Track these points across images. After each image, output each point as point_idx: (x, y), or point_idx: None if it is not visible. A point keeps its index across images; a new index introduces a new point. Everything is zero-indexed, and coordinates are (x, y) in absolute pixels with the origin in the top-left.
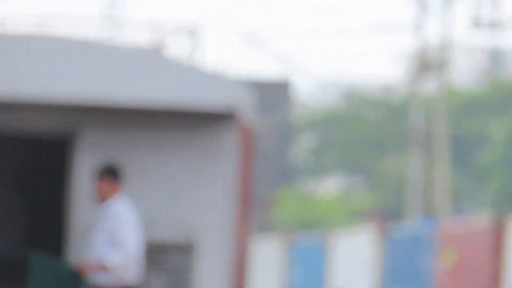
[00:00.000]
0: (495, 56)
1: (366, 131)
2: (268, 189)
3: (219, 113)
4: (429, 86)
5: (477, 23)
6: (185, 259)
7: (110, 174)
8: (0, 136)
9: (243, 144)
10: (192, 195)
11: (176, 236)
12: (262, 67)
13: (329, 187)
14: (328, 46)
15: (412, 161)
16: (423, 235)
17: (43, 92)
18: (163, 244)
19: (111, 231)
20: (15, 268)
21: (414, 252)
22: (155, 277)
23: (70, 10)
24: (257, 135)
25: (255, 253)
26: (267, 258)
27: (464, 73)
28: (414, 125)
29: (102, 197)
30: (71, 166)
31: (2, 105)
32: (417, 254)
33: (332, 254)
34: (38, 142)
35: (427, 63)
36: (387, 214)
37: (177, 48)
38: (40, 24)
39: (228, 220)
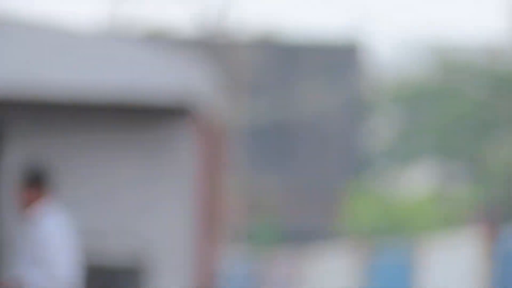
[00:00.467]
0: None
1: (467, 108)
2: (332, 186)
3: (171, 107)
4: None
5: None
6: (134, 284)
7: (36, 179)
8: None
9: (205, 143)
10: (141, 206)
11: (123, 256)
12: (327, 23)
13: (417, 180)
14: None
15: None
16: None
17: None
18: (107, 266)
19: (36, 248)
20: None
21: None
22: None
23: None
24: (226, 131)
25: (315, 270)
26: (332, 277)
27: None
28: None
29: (26, 207)
30: None
31: None
32: None
33: (422, 271)
34: None
35: None
36: (496, 215)
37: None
38: None
39: (186, 236)
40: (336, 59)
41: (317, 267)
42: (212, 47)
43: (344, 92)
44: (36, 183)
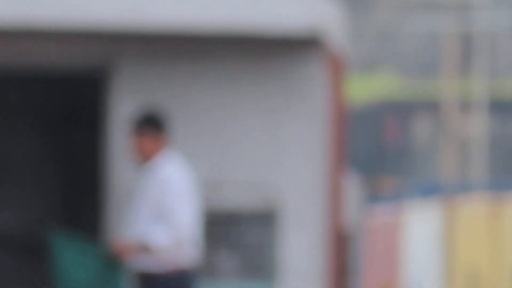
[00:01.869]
0: None
1: None
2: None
3: (301, 38)
4: None
5: None
6: (264, 231)
7: (153, 126)
8: (19, 75)
9: (335, 82)
10: (268, 148)
11: (250, 202)
12: None
13: None
14: None
15: None
16: None
17: (70, 18)
18: (234, 214)
19: (157, 202)
20: (34, 247)
21: None
22: (224, 255)
23: None
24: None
25: (412, 224)
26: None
27: None
28: None
29: (144, 157)
30: (105, 114)
31: (21, 35)
32: None
33: None
34: (66, 81)
35: None
36: None
37: None
38: None
39: (318, 180)
40: None
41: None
42: None
43: None
44: (153, 130)
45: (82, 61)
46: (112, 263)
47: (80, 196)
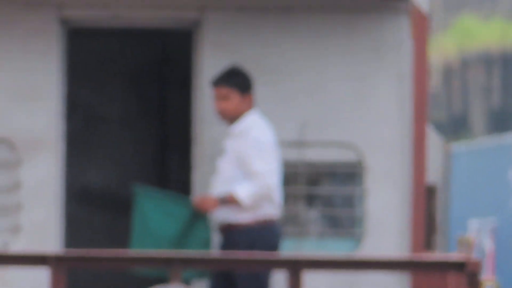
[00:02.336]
0: None
1: None
2: None
3: None
4: None
5: None
6: (350, 189)
7: (239, 84)
8: (113, 30)
9: (420, 37)
10: (354, 105)
11: (335, 157)
12: None
13: None
14: None
15: None
16: None
17: None
18: (319, 168)
19: (242, 158)
20: (125, 204)
21: None
22: (310, 214)
23: None
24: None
25: None
26: None
27: None
28: None
29: (230, 116)
30: (195, 70)
31: None
32: None
33: None
34: (159, 36)
35: None
36: None
37: None
38: None
39: (403, 136)
40: None
41: None
42: None
43: None
44: (239, 88)
45: (173, 15)
46: (197, 216)
47: (171, 155)
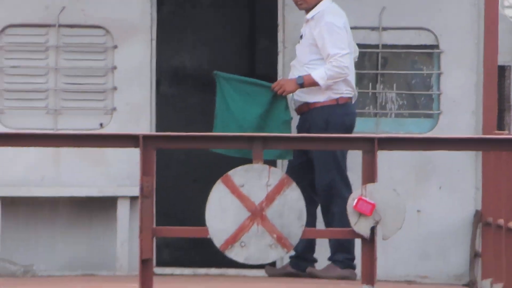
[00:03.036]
0: None
1: None
2: None
3: None
4: None
5: None
6: (425, 68)
7: None
8: None
9: None
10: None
11: (412, 41)
12: None
13: None
14: None
15: None
16: None
17: None
18: (397, 51)
19: (317, 42)
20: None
21: None
22: (388, 93)
23: None
24: None
25: None
26: None
27: None
28: None
29: (306, 4)
30: None
31: None
32: None
33: None
34: None
35: None
36: None
37: None
38: None
39: (475, 18)
40: None
41: None
42: None
43: None
44: None
45: None
46: (277, 98)
47: (260, 39)
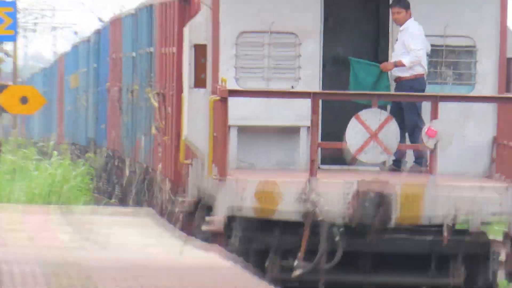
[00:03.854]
0: None
1: None
2: None
3: None
4: None
5: None
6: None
7: (405, 5)
8: None
9: None
10: None
11: (466, 44)
12: None
13: None
14: None
15: None
16: None
17: None
18: (455, 50)
19: (406, 43)
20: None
21: None
22: (447, 70)
23: None
24: None
25: None
26: None
27: None
28: None
29: (400, 22)
30: None
31: None
32: None
33: None
34: None
35: None
36: None
37: None
38: None
39: (495, 30)
40: None
41: None
42: None
43: None
44: (404, 9)
45: None
46: (382, 73)
47: (380, 38)
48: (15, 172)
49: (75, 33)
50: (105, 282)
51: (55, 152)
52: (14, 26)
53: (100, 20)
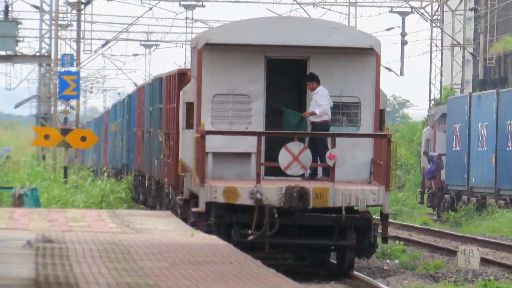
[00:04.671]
0: None
1: None
2: None
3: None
4: None
5: None
6: None
7: (315, 80)
8: None
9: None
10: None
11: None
12: None
13: None
14: None
15: None
16: None
17: None
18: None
19: (316, 100)
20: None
21: None
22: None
23: None
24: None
25: None
26: None
27: None
28: None
29: (312, 89)
30: None
31: None
32: None
33: None
34: None
35: None
36: None
37: None
38: None
39: (373, 90)
40: None
41: None
42: None
43: None
44: (316, 82)
45: None
46: (303, 119)
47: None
48: (77, 187)
49: (118, 93)
50: (139, 256)
51: (105, 174)
52: (77, 88)
53: (135, 84)
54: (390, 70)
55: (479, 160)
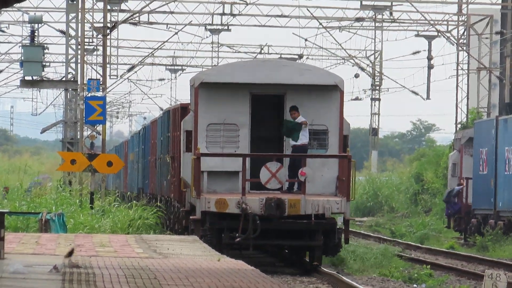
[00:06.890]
0: None
1: None
2: None
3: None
4: None
5: None
6: None
7: (297, 110)
8: None
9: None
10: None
11: None
12: None
13: None
14: None
15: None
16: None
17: None
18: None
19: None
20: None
21: None
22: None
23: None
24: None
25: None
26: None
27: None
28: None
29: (294, 118)
30: None
31: None
32: None
33: None
34: None
35: None
36: None
37: None
38: None
39: (338, 118)
40: None
41: None
42: None
43: None
44: (296, 112)
45: None
46: (296, 125)
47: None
48: (104, 211)
49: (144, 118)
50: (166, 281)
51: (134, 202)
52: (103, 113)
53: (160, 109)
54: (416, 94)
55: (506, 184)
